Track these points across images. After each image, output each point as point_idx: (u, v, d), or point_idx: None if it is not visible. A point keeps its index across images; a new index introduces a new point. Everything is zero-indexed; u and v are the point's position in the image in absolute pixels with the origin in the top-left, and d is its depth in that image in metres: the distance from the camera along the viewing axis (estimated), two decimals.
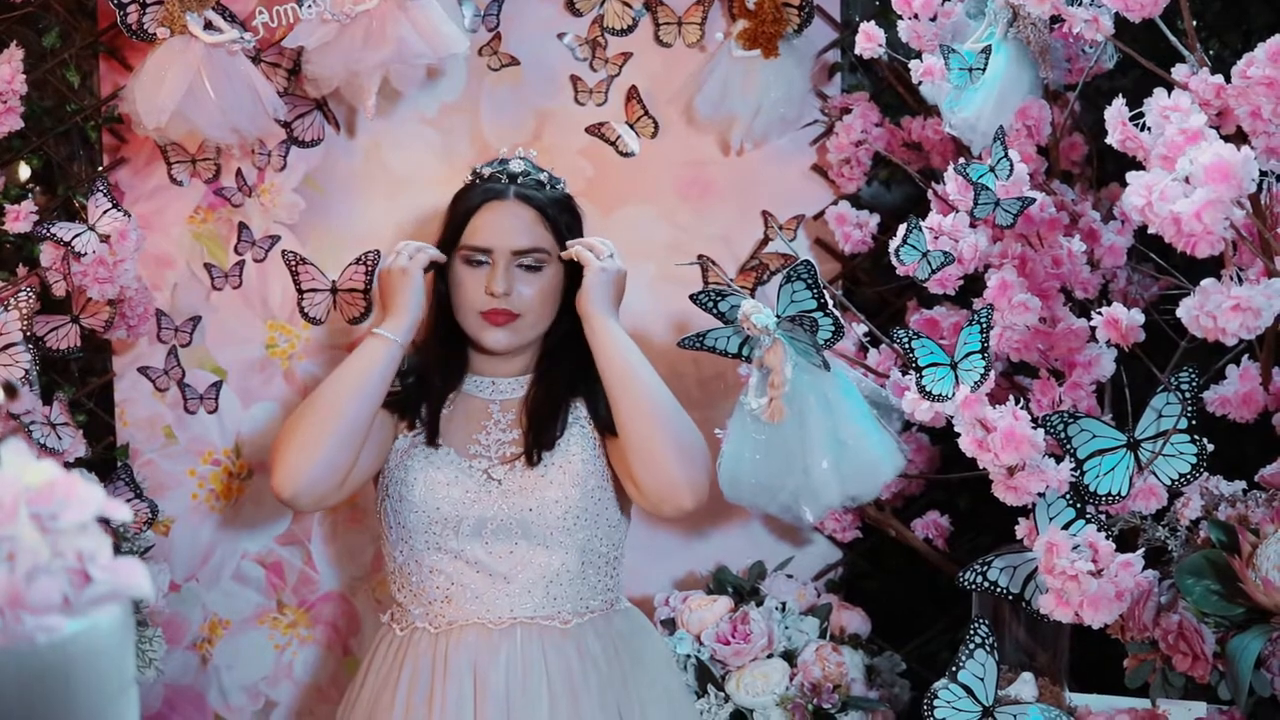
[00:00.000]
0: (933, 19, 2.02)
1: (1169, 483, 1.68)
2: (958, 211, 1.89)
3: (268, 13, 2.20)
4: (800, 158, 2.46)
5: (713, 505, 1.93)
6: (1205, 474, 1.69)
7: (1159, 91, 1.56)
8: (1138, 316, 1.76)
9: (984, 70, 2.00)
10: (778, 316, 1.75)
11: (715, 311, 1.77)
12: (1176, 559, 1.74)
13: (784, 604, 2.28)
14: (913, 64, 2.01)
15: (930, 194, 2.04)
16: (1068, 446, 1.65)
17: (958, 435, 1.62)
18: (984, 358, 1.62)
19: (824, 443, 1.80)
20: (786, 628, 2.23)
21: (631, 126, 2.42)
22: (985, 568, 1.77)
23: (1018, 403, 1.60)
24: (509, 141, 2.14)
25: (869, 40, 2.02)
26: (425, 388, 2.00)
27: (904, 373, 1.79)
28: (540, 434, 1.95)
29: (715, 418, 2.01)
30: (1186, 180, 1.44)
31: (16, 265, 2.25)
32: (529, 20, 2.41)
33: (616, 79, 2.42)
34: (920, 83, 2.02)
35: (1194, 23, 1.71)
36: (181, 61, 2.08)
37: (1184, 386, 1.65)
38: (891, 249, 1.90)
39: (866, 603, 2.38)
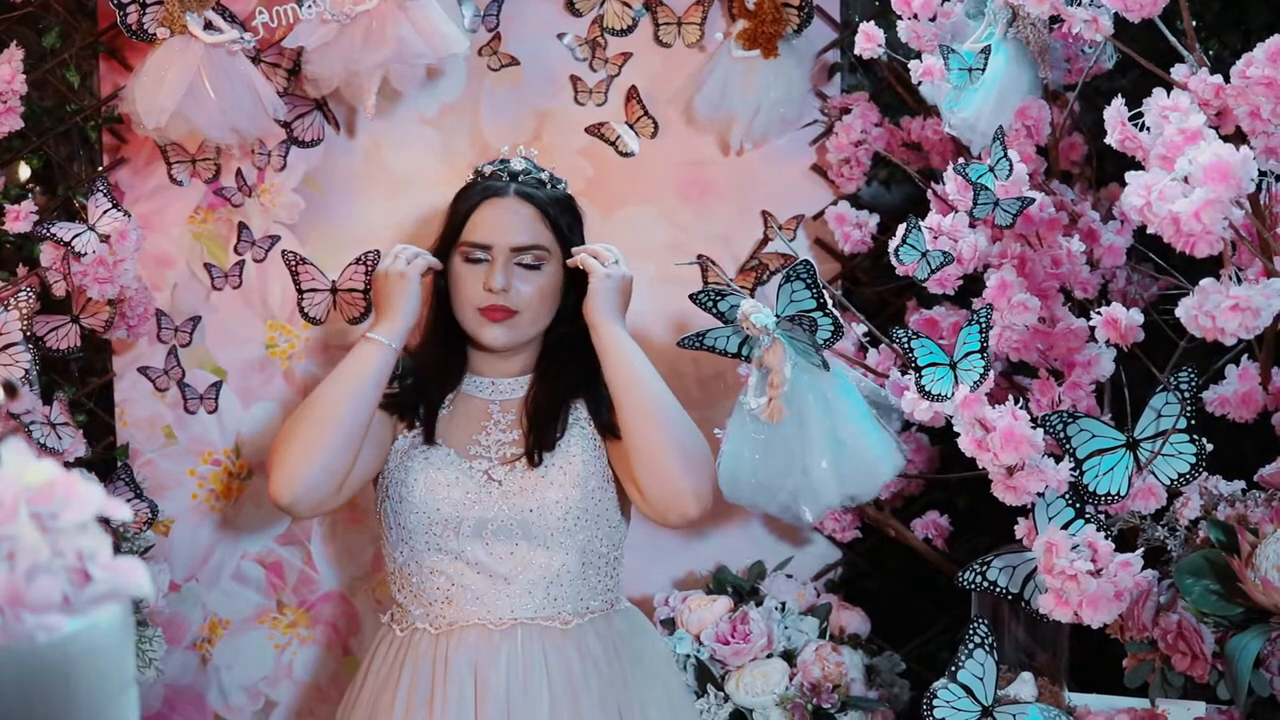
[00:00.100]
0: (932, 19, 2.02)
1: (1168, 482, 1.68)
2: (957, 211, 1.90)
3: (268, 13, 2.20)
4: (800, 158, 2.46)
5: (713, 505, 1.93)
6: (1204, 474, 1.69)
7: (1158, 91, 1.56)
8: (1137, 316, 1.76)
9: (983, 70, 2.00)
10: (777, 316, 1.75)
11: (715, 311, 1.77)
12: (1176, 559, 1.74)
13: (784, 604, 2.28)
14: (912, 64, 2.02)
15: (930, 194, 2.04)
16: (1067, 446, 1.65)
17: (957, 435, 1.62)
18: (983, 357, 1.62)
19: (823, 442, 1.80)
20: (786, 628, 2.23)
21: (631, 126, 2.42)
22: (985, 567, 1.77)
23: (1017, 402, 1.60)
24: (509, 141, 2.14)
25: (869, 40, 2.02)
26: (424, 387, 2.00)
27: (903, 372, 1.79)
28: (541, 435, 1.95)
29: (715, 418, 2.01)
30: (1185, 180, 1.44)
31: (16, 265, 2.25)
32: (529, 20, 2.41)
33: (616, 79, 2.42)
34: (920, 83, 2.02)
35: (1193, 23, 1.71)
36: (181, 61, 2.08)
37: (1183, 386, 1.65)
38: (891, 249, 1.90)
39: (866, 603, 2.38)
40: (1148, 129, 1.58)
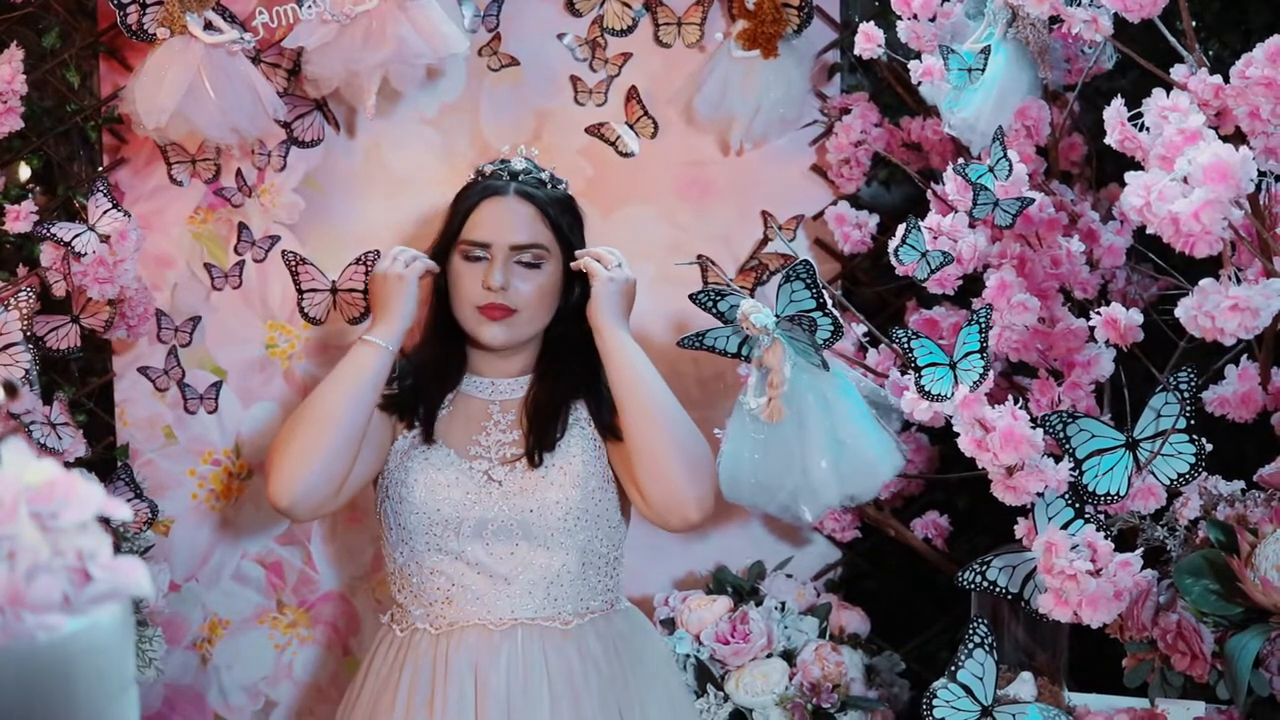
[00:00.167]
0: (932, 19, 2.02)
1: (1168, 482, 1.68)
2: (957, 211, 1.90)
3: (268, 13, 2.20)
4: (800, 158, 2.46)
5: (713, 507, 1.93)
6: (1204, 474, 1.69)
7: (1158, 92, 1.56)
8: (1136, 316, 1.77)
9: (983, 70, 2.00)
10: (777, 316, 1.75)
11: (714, 311, 1.77)
12: (1175, 558, 1.74)
13: (783, 604, 2.28)
14: (912, 64, 2.02)
15: (929, 194, 2.04)
16: (1066, 446, 1.65)
17: (957, 435, 1.62)
18: (983, 358, 1.62)
19: (823, 442, 1.80)
20: (786, 627, 2.23)
21: (631, 127, 2.42)
22: (984, 567, 1.77)
23: (1017, 403, 1.60)
24: (509, 141, 2.14)
25: (868, 41, 2.02)
26: (423, 386, 2.00)
27: (903, 373, 1.79)
28: (542, 435, 1.95)
29: (715, 418, 2.01)
30: (1185, 180, 1.44)
31: (16, 265, 2.26)
32: (529, 20, 2.41)
33: (616, 79, 2.42)
34: (919, 83, 2.02)
35: (1193, 23, 1.71)
36: (181, 62, 2.08)
37: (1183, 386, 1.65)
38: (890, 249, 1.90)
39: (866, 602, 2.38)
40: (1147, 129, 1.58)
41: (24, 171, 2.40)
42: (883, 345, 2.12)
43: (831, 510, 2.17)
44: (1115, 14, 1.69)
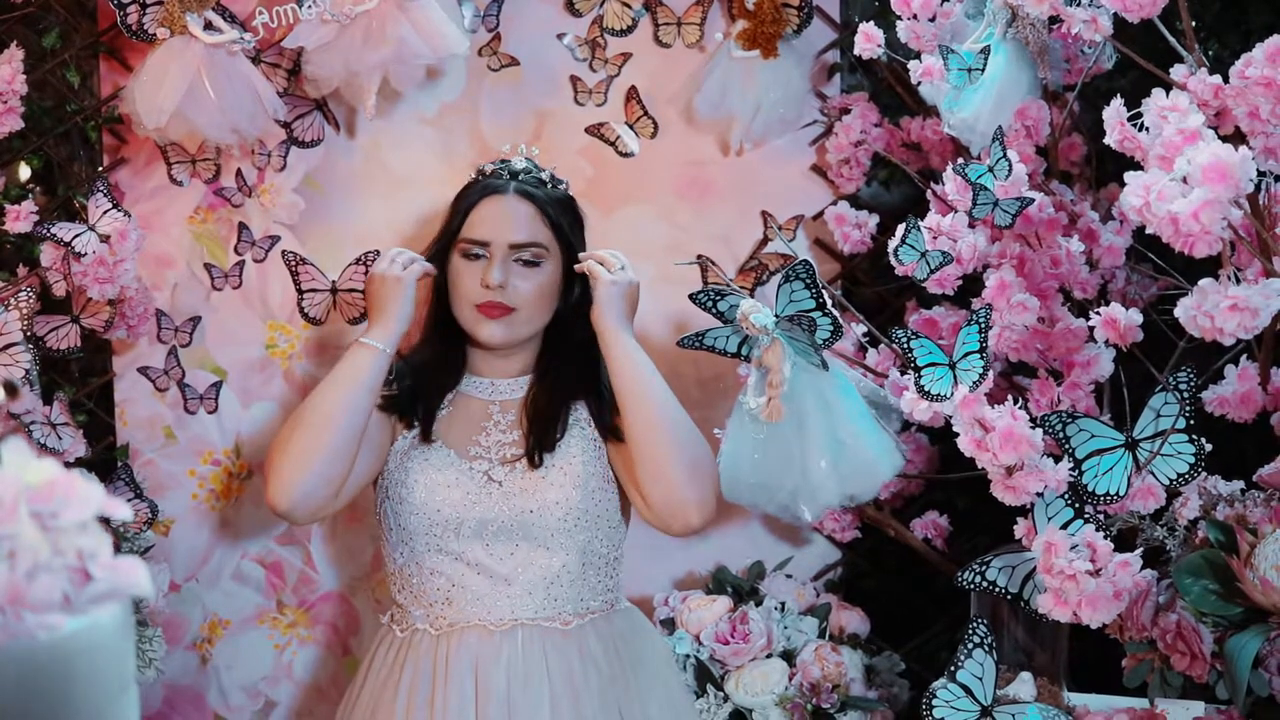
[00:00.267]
0: (932, 19, 2.02)
1: (1167, 482, 1.68)
2: (956, 211, 1.90)
3: (268, 13, 2.20)
4: (799, 158, 2.46)
5: None
6: (1203, 474, 1.69)
7: (1157, 92, 1.56)
8: (1136, 316, 1.77)
9: (983, 70, 2.00)
10: (776, 316, 1.75)
11: (714, 311, 1.77)
12: (1175, 559, 1.74)
13: (783, 604, 2.28)
14: (912, 64, 2.02)
15: (929, 194, 2.04)
16: (1066, 446, 1.65)
17: (956, 435, 1.62)
18: (982, 358, 1.62)
19: (822, 442, 1.80)
20: (786, 627, 2.23)
21: (631, 127, 2.43)
22: (984, 567, 1.77)
23: (1016, 403, 1.60)
24: (509, 141, 2.14)
25: (868, 41, 2.02)
26: (422, 386, 2.00)
27: (903, 373, 1.80)
28: (542, 435, 1.95)
29: (715, 418, 2.01)
30: (1184, 180, 1.44)
31: (16, 265, 2.25)
32: (529, 20, 2.41)
33: (616, 79, 2.42)
34: (919, 83, 2.02)
35: (1193, 23, 1.71)
36: (181, 62, 2.08)
37: (1182, 386, 1.65)
38: (890, 249, 1.90)
39: (865, 603, 2.38)
40: (1147, 129, 1.58)
41: (24, 171, 2.40)
42: (882, 345, 2.12)
43: (831, 510, 2.17)
44: (1115, 14, 1.69)
